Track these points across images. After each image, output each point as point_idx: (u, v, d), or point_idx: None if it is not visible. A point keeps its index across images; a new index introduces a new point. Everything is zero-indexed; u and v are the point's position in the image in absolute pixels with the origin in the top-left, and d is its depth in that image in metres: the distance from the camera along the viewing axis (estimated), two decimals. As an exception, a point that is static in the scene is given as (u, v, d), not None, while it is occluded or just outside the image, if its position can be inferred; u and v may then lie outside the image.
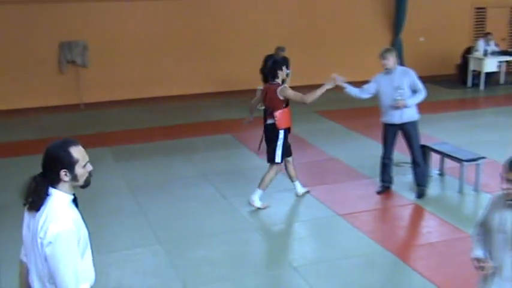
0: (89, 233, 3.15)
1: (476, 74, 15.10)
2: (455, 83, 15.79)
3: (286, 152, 7.33)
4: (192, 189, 8.06)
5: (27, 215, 3.09)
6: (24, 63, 13.09)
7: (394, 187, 7.82)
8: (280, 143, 7.15)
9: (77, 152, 3.04)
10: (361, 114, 11.63)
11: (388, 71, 7.26)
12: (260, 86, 12.94)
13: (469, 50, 15.47)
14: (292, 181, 7.64)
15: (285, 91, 7.00)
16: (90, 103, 13.61)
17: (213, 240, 6.50)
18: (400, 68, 7.35)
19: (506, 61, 15.51)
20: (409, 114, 7.29)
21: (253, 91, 13.25)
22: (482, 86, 14.90)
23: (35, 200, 2.99)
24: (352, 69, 13.61)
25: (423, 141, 7.90)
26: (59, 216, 2.95)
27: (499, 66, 15.32)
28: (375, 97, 7.46)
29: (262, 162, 9.09)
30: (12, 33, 12.91)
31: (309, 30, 15.12)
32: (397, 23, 15.81)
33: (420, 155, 7.56)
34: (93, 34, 13.44)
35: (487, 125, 11.42)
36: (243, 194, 7.75)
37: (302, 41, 14.74)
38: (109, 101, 13.74)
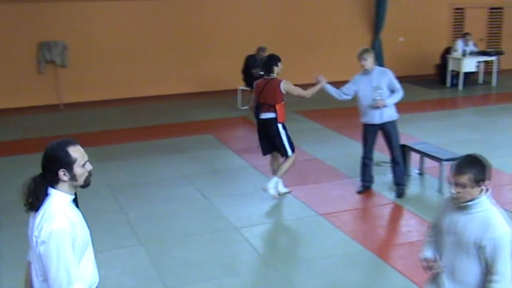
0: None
1: (455, 74, 15.24)
2: (434, 83, 15.93)
3: (291, 143, 7.45)
4: (173, 190, 8.04)
5: (31, 216, 3.10)
6: (2, 63, 12.96)
7: (374, 186, 7.87)
8: (284, 136, 7.33)
9: (76, 151, 3.05)
10: (341, 114, 11.68)
11: (366, 72, 7.32)
12: (241, 86, 12.98)
13: (448, 50, 15.61)
14: (273, 175, 7.66)
15: (290, 85, 7.26)
16: (70, 103, 13.51)
17: (194, 240, 6.49)
18: (377, 68, 7.41)
19: (485, 61, 15.67)
20: (389, 113, 7.36)
21: (234, 91, 13.27)
22: (461, 86, 15.05)
23: (34, 200, 3.01)
24: (332, 69, 13.71)
25: (403, 141, 7.96)
26: (55, 216, 2.96)
27: (478, 67, 15.48)
28: (354, 97, 7.51)
29: (243, 162, 9.13)
30: (-10, 32, 12.79)
31: (290, 30, 15.15)
32: (376, 23, 15.90)
33: (400, 154, 7.63)
34: (73, 34, 13.34)
35: (466, 124, 11.53)
36: (224, 194, 7.75)
37: (282, 42, 14.76)
38: (89, 102, 13.66)
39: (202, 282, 5.57)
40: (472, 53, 15.07)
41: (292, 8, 15.22)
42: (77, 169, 3.04)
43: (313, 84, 7.40)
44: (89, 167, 3.11)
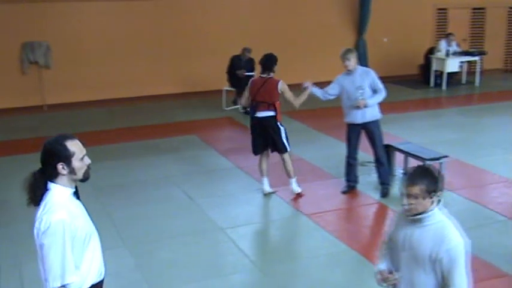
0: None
1: (439, 74, 15.33)
2: (418, 83, 16.01)
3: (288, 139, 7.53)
4: (157, 191, 8.01)
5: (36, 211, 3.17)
6: (-16, 64, 12.85)
7: (359, 186, 7.90)
8: (283, 134, 7.41)
9: (73, 145, 3.10)
10: (325, 114, 11.70)
11: (349, 72, 7.35)
12: (226, 87, 12.97)
13: (431, 51, 15.70)
14: (261, 175, 7.67)
15: (285, 87, 7.34)
16: (54, 104, 13.40)
17: (179, 241, 6.47)
18: (360, 68, 7.44)
19: (468, 61, 15.77)
20: (372, 113, 7.39)
21: (219, 92, 13.25)
22: (444, 86, 15.14)
23: (34, 194, 3.08)
24: (317, 69, 13.74)
25: (387, 141, 8.00)
26: (54, 208, 3.02)
27: (461, 67, 15.58)
28: (338, 97, 7.54)
29: (228, 162, 9.12)
30: (-28, 33, 12.67)
31: (274, 31, 15.13)
32: (360, 23, 15.95)
33: (384, 154, 7.66)
34: (57, 35, 13.23)
35: (450, 124, 11.60)
36: (209, 195, 7.74)
37: (267, 43, 14.69)
38: (73, 103, 13.57)
39: (187, 284, 5.55)
40: (455, 53, 15.17)
41: (277, 8, 15.22)
42: (76, 162, 3.09)
43: (298, 85, 7.42)
44: (87, 160, 3.16)
